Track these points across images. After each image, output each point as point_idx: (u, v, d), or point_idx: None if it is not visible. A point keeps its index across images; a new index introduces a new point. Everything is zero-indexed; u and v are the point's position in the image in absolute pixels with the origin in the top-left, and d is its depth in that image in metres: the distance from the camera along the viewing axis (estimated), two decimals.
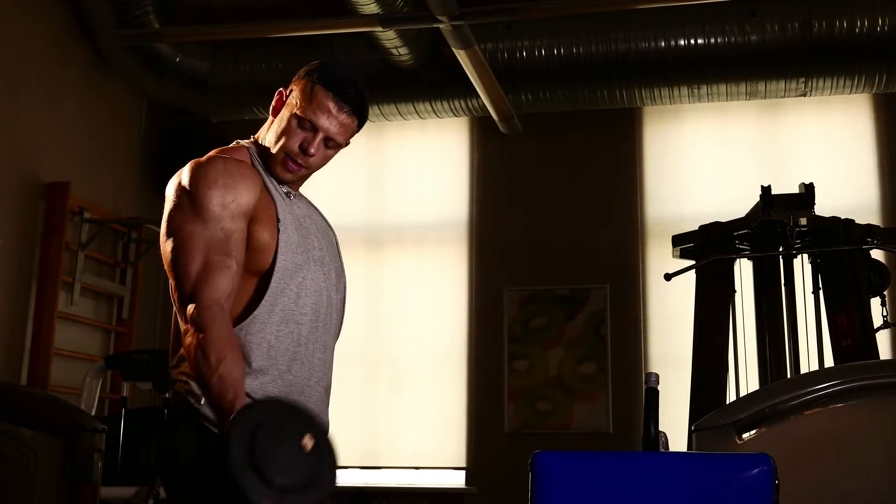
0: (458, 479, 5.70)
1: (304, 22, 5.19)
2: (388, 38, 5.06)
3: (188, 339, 1.73)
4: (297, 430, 1.59)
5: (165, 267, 1.83)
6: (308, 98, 1.88)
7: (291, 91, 1.92)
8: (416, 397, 5.81)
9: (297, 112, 1.88)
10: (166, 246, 1.82)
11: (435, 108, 5.63)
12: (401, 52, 5.21)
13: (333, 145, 1.93)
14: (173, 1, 5.43)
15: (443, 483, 5.70)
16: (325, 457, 1.61)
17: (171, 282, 1.80)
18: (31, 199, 5.05)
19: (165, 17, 5.33)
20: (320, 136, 1.89)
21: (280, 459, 1.53)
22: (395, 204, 6.12)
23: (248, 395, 1.77)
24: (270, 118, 1.96)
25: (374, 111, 5.67)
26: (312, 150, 1.89)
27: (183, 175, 1.86)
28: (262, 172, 1.91)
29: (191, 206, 1.80)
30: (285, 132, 1.90)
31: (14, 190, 4.95)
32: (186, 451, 1.79)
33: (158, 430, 4.57)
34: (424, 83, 5.50)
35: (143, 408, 5.12)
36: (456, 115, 5.78)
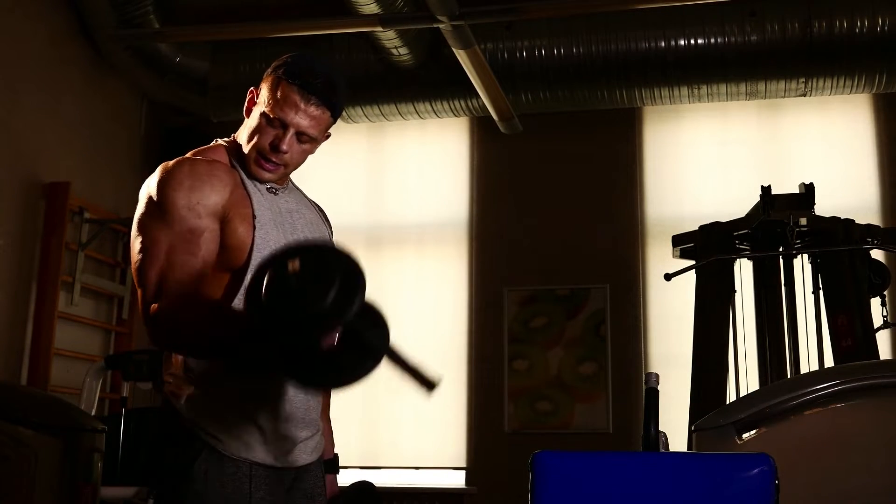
0: (458, 479, 5.70)
1: (304, 22, 5.19)
2: (388, 38, 5.06)
3: (164, 337, 1.74)
4: (285, 259, 1.59)
5: (132, 273, 1.81)
6: (274, 94, 1.83)
7: (261, 92, 1.88)
8: (416, 397, 5.79)
9: (266, 110, 1.84)
10: (133, 249, 1.81)
11: (435, 108, 5.63)
12: (401, 52, 5.21)
13: (307, 140, 1.87)
14: (173, 1, 5.43)
15: (443, 483, 5.70)
16: (321, 271, 1.56)
17: (137, 288, 1.79)
18: (31, 199, 5.05)
19: (165, 17, 5.33)
20: (291, 132, 1.84)
21: (271, 287, 1.54)
22: (395, 204, 6.11)
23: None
24: (245, 118, 1.92)
25: (374, 111, 5.67)
26: (284, 147, 1.84)
27: (150, 180, 1.83)
28: (241, 170, 1.88)
29: (157, 211, 1.78)
30: (256, 131, 1.86)
31: (14, 190, 4.96)
32: (170, 451, 1.78)
33: (149, 431, 4.59)
34: (424, 83, 5.50)
35: (143, 408, 5.12)
36: (456, 115, 5.78)
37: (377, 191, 6.17)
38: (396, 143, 6.19)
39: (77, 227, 5.30)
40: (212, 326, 1.71)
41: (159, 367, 4.65)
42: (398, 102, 5.60)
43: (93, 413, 4.57)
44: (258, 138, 1.85)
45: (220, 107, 5.75)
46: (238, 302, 1.79)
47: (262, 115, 1.84)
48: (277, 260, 1.56)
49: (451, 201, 6.05)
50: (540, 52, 5.27)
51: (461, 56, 4.94)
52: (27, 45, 5.09)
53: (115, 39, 5.29)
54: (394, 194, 6.14)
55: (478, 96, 5.38)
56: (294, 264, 1.54)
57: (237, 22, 5.52)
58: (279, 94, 1.82)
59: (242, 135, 1.90)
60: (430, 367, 1.63)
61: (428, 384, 1.67)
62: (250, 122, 1.88)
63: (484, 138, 6.06)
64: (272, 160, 1.86)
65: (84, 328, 5.43)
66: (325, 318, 1.53)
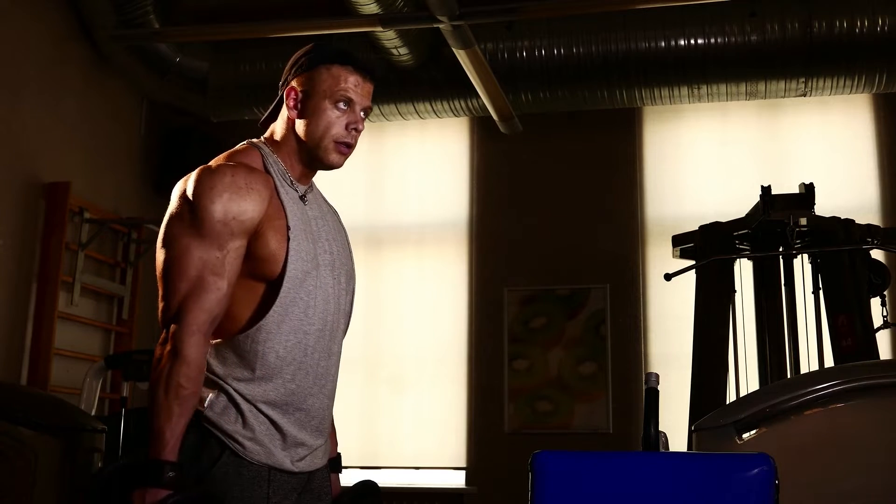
0: (458, 479, 5.70)
1: (304, 22, 5.19)
2: (388, 38, 5.06)
3: (159, 350, 1.74)
4: None
5: (157, 273, 1.81)
6: (335, 81, 1.89)
7: (306, 85, 1.91)
8: (416, 397, 5.81)
9: (332, 98, 1.89)
10: (160, 254, 1.81)
11: (435, 108, 5.64)
12: (401, 52, 5.21)
13: (368, 112, 1.97)
14: (173, 1, 5.43)
15: (443, 483, 5.70)
16: None
17: (160, 290, 1.79)
18: (31, 199, 5.05)
19: (165, 17, 5.33)
20: (358, 110, 1.92)
21: None
22: (395, 204, 6.12)
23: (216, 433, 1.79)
24: (289, 115, 1.93)
25: (374, 111, 5.67)
26: (361, 126, 1.93)
27: (189, 182, 1.82)
28: (276, 175, 1.89)
29: (191, 218, 1.78)
30: (327, 122, 1.90)
31: (14, 190, 4.96)
32: (189, 453, 1.78)
33: None
34: (424, 83, 5.50)
35: (143, 408, 5.11)
36: (456, 115, 5.78)
37: (377, 191, 6.17)
38: (396, 143, 6.19)
39: (77, 227, 5.30)
40: (166, 419, 1.70)
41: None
42: (398, 102, 5.60)
43: (93, 413, 4.57)
44: (332, 128, 1.90)
45: (220, 107, 5.75)
46: (274, 315, 1.80)
47: (329, 103, 1.90)
48: None
49: (451, 201, 6.06)
50: (540, 52, 5.27)
51: (461, 56, 4.94)
52: (27, 45, 5.09)
53: (115, 39, 5.29)
54: (394, 194, 6.14)
55: (478, 96, 5.38)
56: None
57: (237, 22, 5.52)
58: (339, 79, 1.90)
59: (305, 131, 1.91)
60: None
61: None
62: (314, 117, 1.90)
63: (484, 138, 6.06)
64: (349, 142, 1.93)
65: (84, 328, 5.43)
66: None
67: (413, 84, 5.51)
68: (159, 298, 1.79)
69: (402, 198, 6.12)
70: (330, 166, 1.93)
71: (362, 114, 1.93)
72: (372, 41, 5.18)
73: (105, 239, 5.62)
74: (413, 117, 5.78)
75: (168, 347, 1.73)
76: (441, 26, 4.70)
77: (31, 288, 5.01)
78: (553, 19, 5.22)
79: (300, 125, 1.92)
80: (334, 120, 1.90)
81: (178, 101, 5.84)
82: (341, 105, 1.90)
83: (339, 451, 2.13)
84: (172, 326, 1.74)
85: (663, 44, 5.14)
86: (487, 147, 6.07)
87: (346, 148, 1.92)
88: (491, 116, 5.62)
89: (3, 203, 4.87)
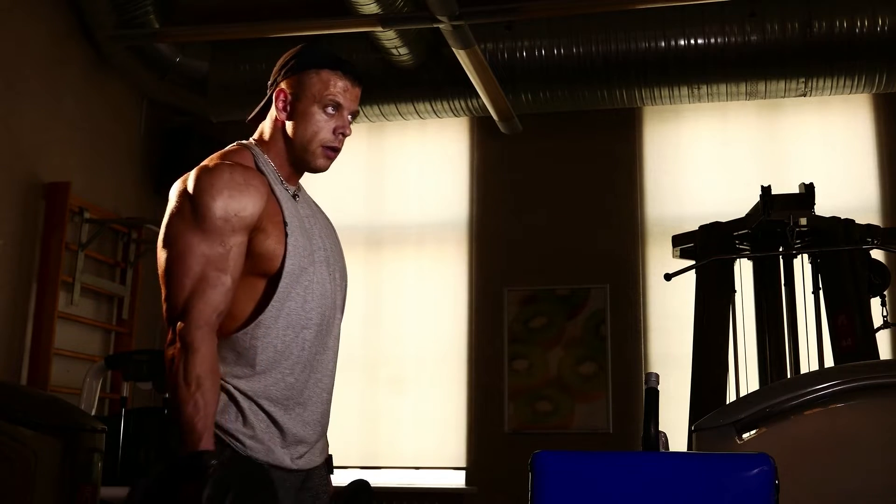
0: (458, 479, 5.70)
1: (304, 22, 5.19)
2: (388, 38, 5.07)
3: (171, 351, 1.74)
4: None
5: (159, 273, 1.82)
6: (324, 86, 1.92)
7: (295, 88, 1.93)
8: (416, 397, 5.81)
9: (321, 102, 1.92)
10: (162, 253, 1.82)
11: (435, 108, 5.64)
12: (401, 52, 5.21)
13: (355, 115, 2.00)
14: (173, 1, 5.43)
15: (443, 483, 5.70)
16: None
17: (163, 290, 1.80)
18: (31, 199, 5.05)
19: (165, 17, 5.33)
20: (346, 115, 1.95)
21: None
22: (395, 204, 6.12)
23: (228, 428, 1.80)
24: (279, 117, 1.95)
25: (374, 111, 5.67)
26: (348, 131, 1.96)
27: (188, 181, 1.84)
28: (268, 174, 1.91)
29: (192, 216, 1.79)
30: (316, 126, 1.92)
31: (14, 190, 4.95)
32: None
33: (160, 431, 4.61)
34: (424, 83, 5.50)
35: (143, 408, 5.13)
36: (456, 115, 5.78)
37: (377, 191, 6.17)
38: (396, 143, 6.19)
39: (77, 227, 5.30)
40: (193, 410, 1.70)
41: (160, 366, 4.65)
42: (398, 102, 5.60)
43: (93, 413, 4.57)
44: (320, 132, 1.93)
45: (219, 107, 5.75)
46: (272, 310, 1.82)
47: (318, 107, 1.92)
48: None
49: (451, 201, 6.06)
50: (540, 52, 5.27)
51: (461, 56, 4.94)
52: (27, 45, 5.09)
53: (115, 39, 5.29)
54: (394, 194, 6.14)
55: (478, 96, 5.38)
56: None
57: (237, 22, 5.52)
58: (328, 84, 1.92)
59: (294, 133, 1.94)
60: None
61: None
62: (303, 120, 1.93)
63: (484, 138, 6.06)
64: (336, 147, 1.96)
65: (84, 328, 5.43)
66: None
67: (413, 84, 5.51)
68: (163, 298, 1.80)
69: (402, 198, 6.12)
70: (316, 170, 1.97)
71: (349, 117, 1.96)
72: (372, 41, 5.18)
73: (105, 239, 5.62)
74: (413, 117, 5.78)
75: (178, 345, 1.74)
76: (441, 26, 4.71)
77: (31, 288, 5.01)
78: (553, 19, 5.22)
79: (289, 127, 1.94)
80: (323, 124, 1.92)
81: (178, 101, 5.84)
82: (329, 109, 1.92)
83: (330, 452, 2.13)
84: (179, 324, 1.75)
85: (663, 44, 5.14)
86: (487, 147, 6.07)
87: (333, 152, 1.96)
88: (491, 116, 5.62)
89: (3, 203, 4.87)
